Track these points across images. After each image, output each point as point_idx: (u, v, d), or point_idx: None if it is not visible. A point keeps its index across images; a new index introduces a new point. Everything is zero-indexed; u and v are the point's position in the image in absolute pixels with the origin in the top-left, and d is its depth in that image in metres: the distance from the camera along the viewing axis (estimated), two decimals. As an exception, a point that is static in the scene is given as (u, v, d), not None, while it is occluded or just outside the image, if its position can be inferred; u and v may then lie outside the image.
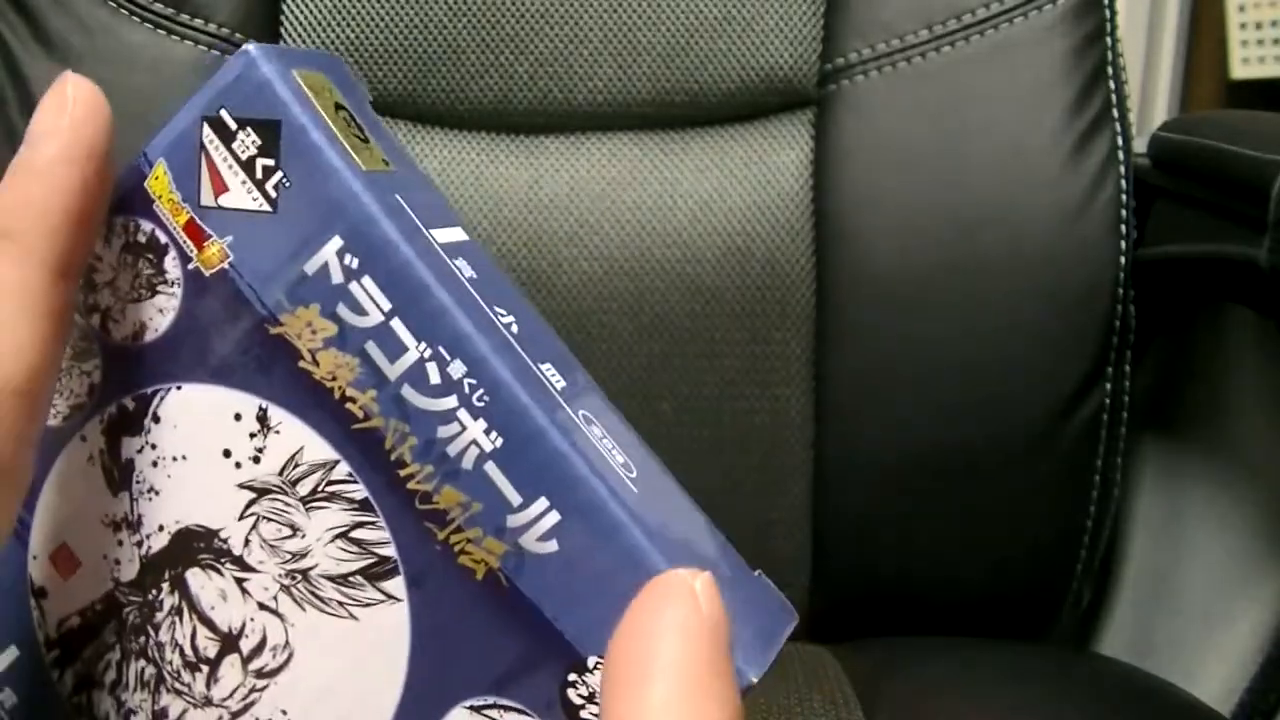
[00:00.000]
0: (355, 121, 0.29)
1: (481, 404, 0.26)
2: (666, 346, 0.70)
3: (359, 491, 0.27)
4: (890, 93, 0.70)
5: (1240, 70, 1.62)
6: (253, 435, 0.28)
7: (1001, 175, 0.69)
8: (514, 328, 0.27)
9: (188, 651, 0.29)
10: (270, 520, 0.28)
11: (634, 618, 0.25)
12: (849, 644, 0.71)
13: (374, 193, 0.27)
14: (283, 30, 0.70)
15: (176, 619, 0.29)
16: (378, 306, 0.26)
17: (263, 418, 0.28)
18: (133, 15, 0.69)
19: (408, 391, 0.26)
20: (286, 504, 0.28)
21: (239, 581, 0.28)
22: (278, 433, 0.28)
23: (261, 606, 0.28)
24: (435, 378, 0.26)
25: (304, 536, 0.28)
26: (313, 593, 0.28)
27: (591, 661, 0.26)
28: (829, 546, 0.72)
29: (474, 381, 0.26)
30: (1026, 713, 0.61)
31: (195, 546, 0.28)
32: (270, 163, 0.27)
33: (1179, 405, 0.77)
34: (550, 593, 0.26)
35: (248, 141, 0.27)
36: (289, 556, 0.28)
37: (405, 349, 0.26)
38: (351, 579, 0.27)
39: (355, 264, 0.27)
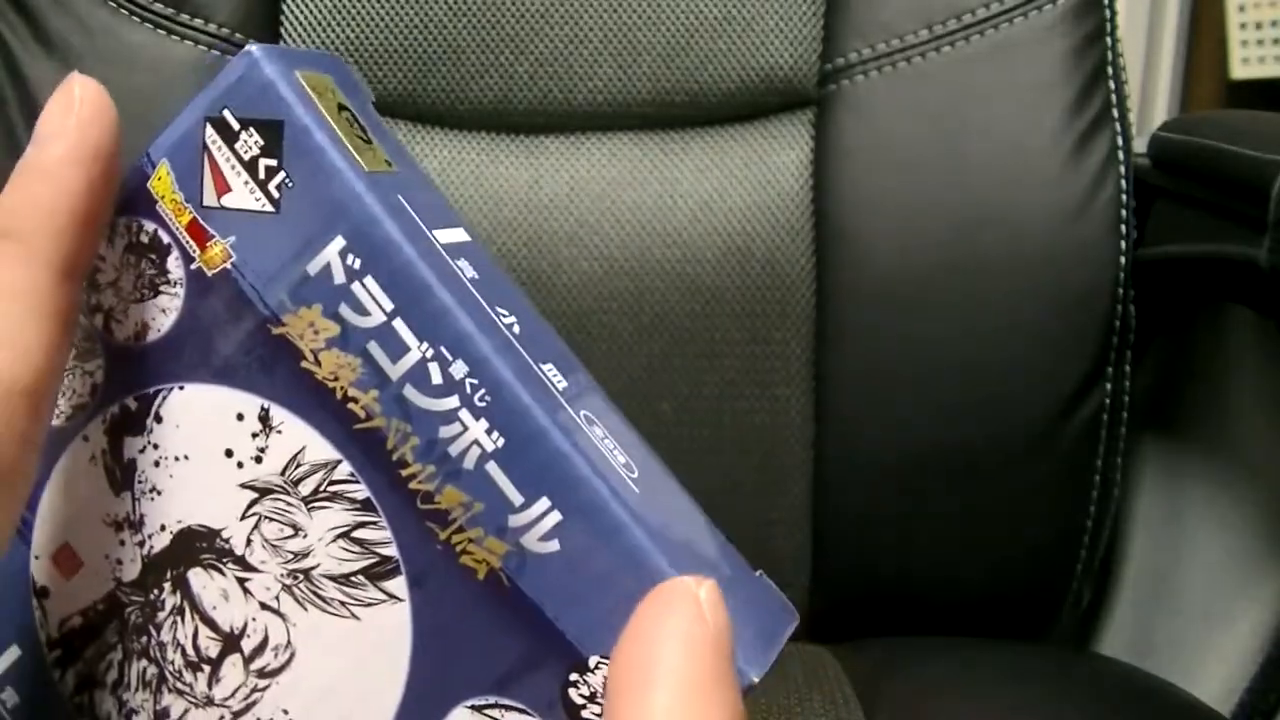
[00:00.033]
0: (358, 122, 0.29)
1: (483, 404, 0.26)
2: (666, 346, 0.70)
3: (361, 491, 0.27)
4: (890, 93, 0.70)
5: (1240, 70, 1.62)
6: (255, 435, 0.28)
7: (1001, 175, 0.69)
8: (515, 328, 0.28)
9: (189, 651, 0.29)
10: (272, 520, 0.28)
11: (638, 624, 0.25)
12: (849, 644, 0.71)
13: (377, 193, 0.27)
14: (283, 30, 0.70)
15: (178, 619, 0.29)
16: (380, 307, 0.27)
17: (265, 418, 0.28)
18: (133, 15, 0.69)
19: (410, 392, 0.27)
20: (288, 504, 0.28)
21: (241, 581, 0.28)
22: (280, 433, 0.28)
23: (263, 606, 0.28)
24: (437, 378, 0.26)
25: (306, 536, 0.28)
26: (314, 592, 0.28)
27: (593, 661, 0.26)
28: (829, 546, 0.72)
29: (476, 382, 0.26)
30: (1026, 713, 0.61)
31: (197, 546, 0.28)
32: (273, 163, 0.27)
33: (1179, 405, 0.78)
34: (552, 593, 0.26)
35: (250, 142, 0.27)
36: (291, 556, 0.28)
37: (407, 349, 0.26)
38: (353, 579, 0.28)
39: (357, 264, 0.27)
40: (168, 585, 0.29)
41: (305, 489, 0.28)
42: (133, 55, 0.69)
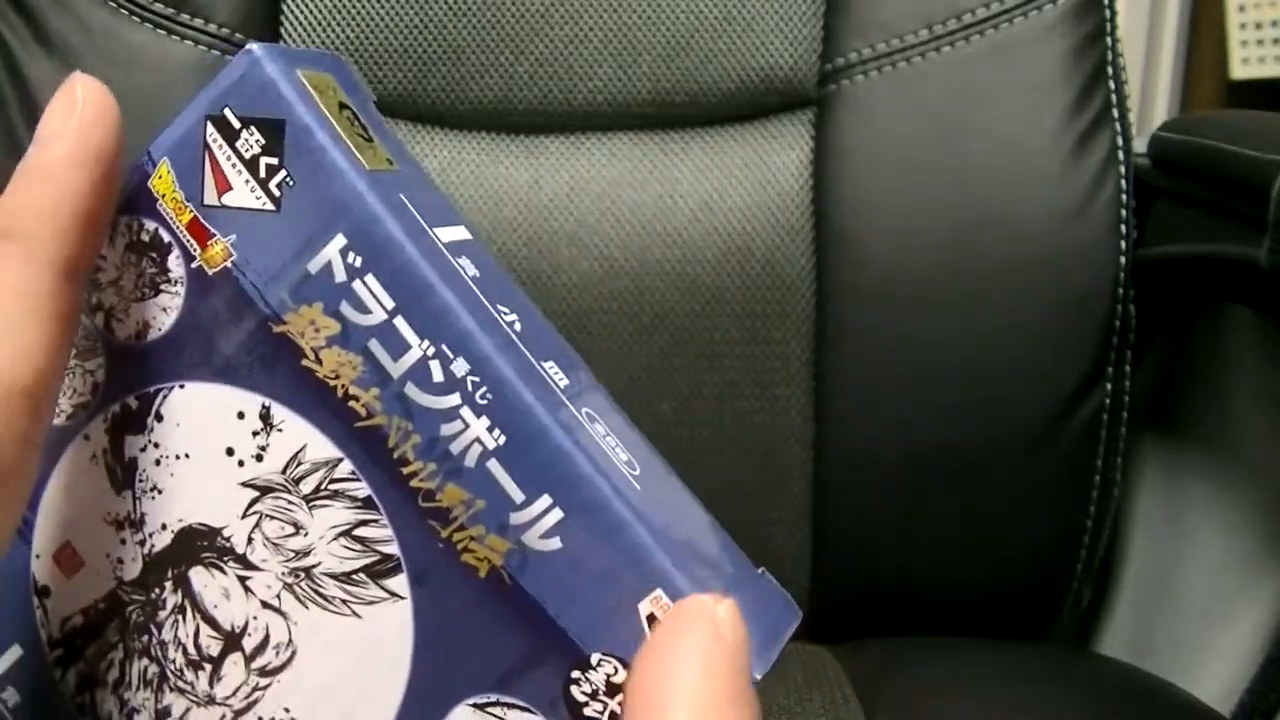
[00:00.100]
0: (359, 121, 0.29)
1: (484, 402, 0.26)
2: (666, 346, 0.70)
3: (362, 489, 0.27)
4: (890, 93, 0.70)
5: (1240, 70, 1.62)
6: (255, 433, 0.28)
7: (1001, 175, 0.69)
8: (517, 326, 0.28)
9: (190, 650, 0.29)
10: (273, 518, 0.28)
11: (656, 642, 0.25)
12: (849, 644, 0.71)
13: (378, 192, 0.27)
14: (283, 30, 0.70)
15: (179, 617, 0.29)
16: (381, 305, 0.27)
17: (266, 416, 0.28)
18: (133, 15, 0.69)
19: (411, 389, 0.27)
20: (289, 502, 0.28)
21: (242, 580, 0.28)
22: (280, 431, 0.28)
23: (264, 605, 0.28)
24: (438, 376, 0.26)
25: (307, 534, 0.28)
26: (316, 591, 0.28)
27: (595, 658, 0.26)
28: (829, 546, 0.72)
29: (477, 379, 0.26)
30: (1026, 713, 0.61)
31: (198, 545, 0.29)
32: (274, 162, 0.27)
33: (1179, 405, 0.78)
34: (553, 590, 0.26)
35: (251, 140, 0.27)
36: (292, 554, 0.28)
37: (408, 347, 0.26)
38: (354, 577, 0.28)
39: (358, 262, 0.27)
40: (169, 584, 0.29)
41: (306, 487, 0.28)
42: (133, 55, 0.69)
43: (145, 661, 0.29)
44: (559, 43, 0.70)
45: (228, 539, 0.28)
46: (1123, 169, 0.69)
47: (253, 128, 0.27)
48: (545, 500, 0.26)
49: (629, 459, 0.27)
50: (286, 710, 0.28)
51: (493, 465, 0.26)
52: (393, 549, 0.27)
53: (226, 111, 0.27)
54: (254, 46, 0.27)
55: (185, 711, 0.29)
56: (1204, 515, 0.75)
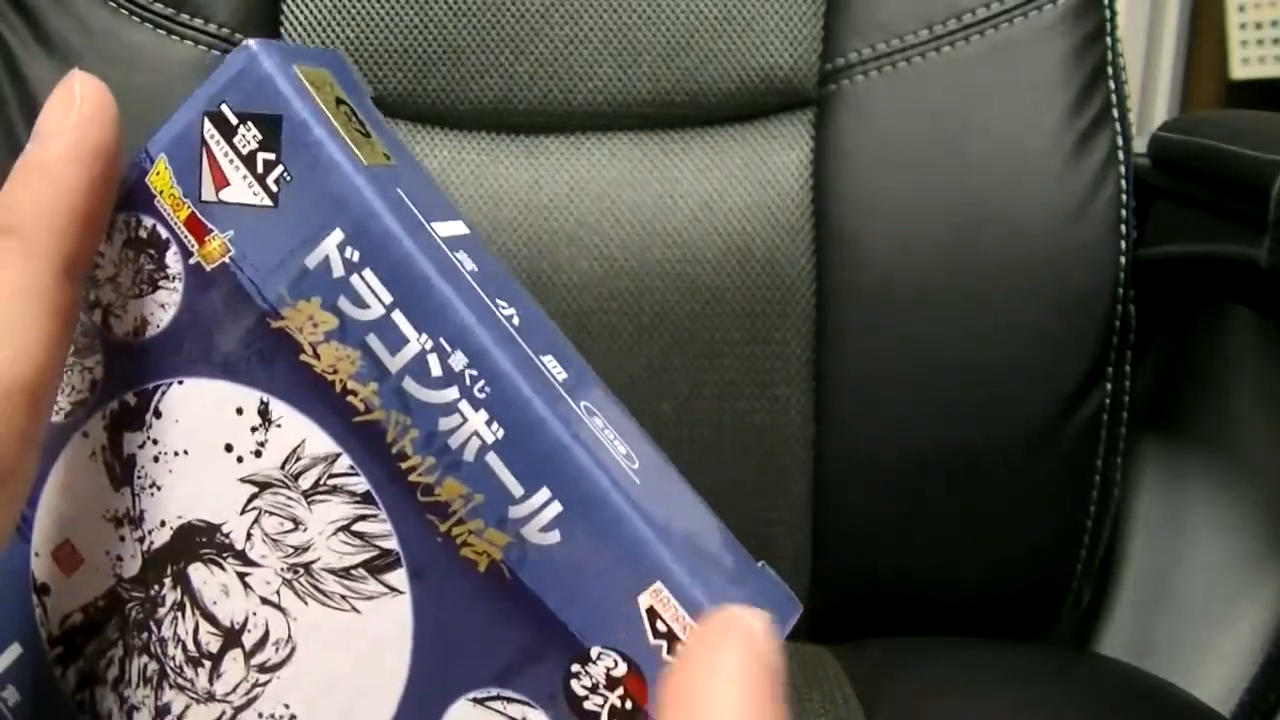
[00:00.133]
0: (356, 116, 0.29)
1: (483, 395, 0.26)
2: (666, 346, 0.70)
3: (360, 484, 0.27)
4: (890, 93, 0.70)
5: (1240, 70, 1.62)
6: (254, 429, 0.28)
7: (1001, 175, 0.69)
8: (515, 320, 0.28)
9: (190, 647, 0.29)
10: (272, 514, 0.28)
11: (692, 656, 0.24)
12: (849, 644, 0.71)
13: (375, 187, 0.27)
14: (283, 30, 0.70)
15: (179, 614, 0.29)
16: (379, 299, 0.27)
17: (264, 412, 0.28)
18: (133, 15, 0.69)
19: (409, 384, 0.27)
20: (288, 498, 0.28)
21: (241, 576, 0.28)
22: (279, 426, 0.28)
23: (264, 601, 0.28)
24: (436, 370, 0.26)
25: (306, 530, 0.28)
26: (315, 586, 0.28)
27: (595, 652, 0.26)
28: (829, 546, 0.72)
29: (475, 373, 0.26)
30: (1026, 713, 0.61)
31: (197, 541, 0.28)
32: (271, 157, 0.27)
33: (1179, 405, 0.77)
34: (553, 584, 0.26)
35: (249, 136, 0.27)
36: (291, 550, 0.28)
37: (406, 341, 0.26)
38: (354, 572, 0.28)
39: (356, 257, 0.27)
40: (168, 581, 0.29)
41: (305, 482, 0.28)
42: (133, 55, 0.69)
43: (145, 659, 0.29)
44: (559, 43, 0.70)
45: (227, 535, 0.28)
46: (1123, 169, 0.69)
47: (250, 123, 0.27)
48: (544, 493, 0.26)
49: (628, 452, 0.27)
50: (286, 707, 0.28)
51: (491, 459, 0.26)
52: (392, 544, 0.27)
53: (224, 107, 0.27)
54: (251, 42, 0.27)
55: (185, 708, 0.29)
56: (1204, 515, 0.75)
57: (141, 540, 0.29)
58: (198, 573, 0.29)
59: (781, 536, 0.71)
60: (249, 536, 0.28)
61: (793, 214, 0.70)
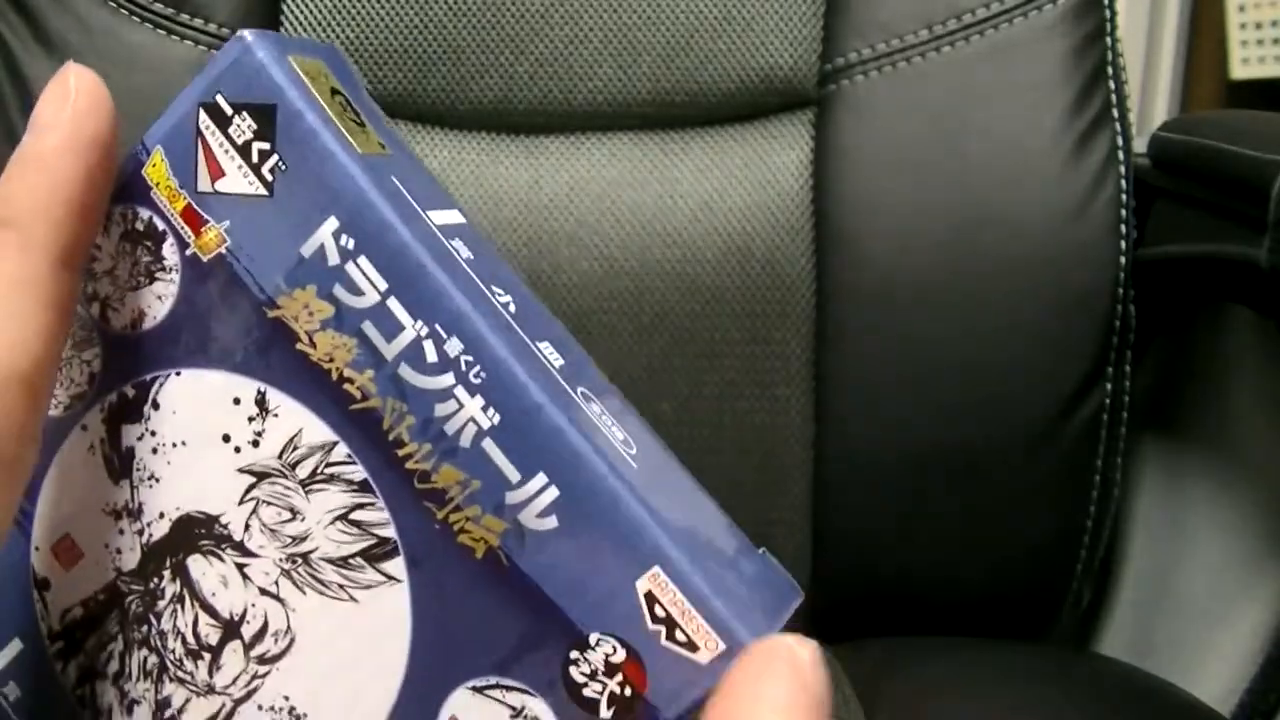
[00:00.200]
0: (351, 106, 0.29)
1: (479, 381, 0.26)
2: (666, 346, 0.70)
3: (358, 472, 0.27)
4: (890, 93, 0.70)
5: (1240, 70, 1.62)
6: (252, 419, 0.28)
7: (1001, 175, 0.69)
8: (511, 307, 0.28)
9: (190, 639, 0.29)
10: (270, 504, 0.28)
11: (735, 686, 0.23)
12: (849, 644, 0.71)
13: (371, 176, 0.27)
14: (283, 30, 0.71)
15: (178, 607, 0.29)
16: (374, 286, 0.26)
17: (261, 401, 0.28)
18: (133, 15, 0.69)
19: (405, 370, 0.26)
20: (286, 487, 0.28)
21: (240, 567, 0.28)
22: (276, 416, 0.28)
23: (262, 592, 0.28)
24: (432, 356, 0.26)
25: (304, 520, 0.28)
26: (313, 576, 0.28)
27: (593, 638, 0.26)
28: (829, 546, 0.72)
29: (471, 359, 0.26)
30: (1026, 713, 0.61)
31: (196, 533, 0.28)
32: (266, 147, 0.27)
33: (1179, 405, 0.77)
34: (551, 570, 0.26)
35: (244, 126, 0.27)
36: (289, 540, 0.28)
37: (402, 328, 0.26)
38: (352, 561, 0.27)
39: (351, 245, 0.27)
40: (167, 573, 0.29)
41: (303, 472, 0.28)
42: (133, 55, 0.69)
43: (145, 652, 0.29)
44: (559, 43, 0.70)
45: (225, 526, 0.28)
46: (1123, 169, 0.70)
47: (245, 113, 0.27)
48: (541, 479, 0.26)
49: (625, 438, 0.27)
50: (286, 698, 0.28)
51: (488, 445, 0.26)
52: (389, 532, 0.27)
53: (219, 98, 0.27)
54: (245, 33, 0.27)
55: (185, 702, 0.29)
56: (1204, 515, 0.75)
57: (140, 533, 0.29)
58: (196, 564, 0.29)
59: (781, 536, 0.71)
60: (247, 527, 0.28)
61: (793, 214, 0.70)
